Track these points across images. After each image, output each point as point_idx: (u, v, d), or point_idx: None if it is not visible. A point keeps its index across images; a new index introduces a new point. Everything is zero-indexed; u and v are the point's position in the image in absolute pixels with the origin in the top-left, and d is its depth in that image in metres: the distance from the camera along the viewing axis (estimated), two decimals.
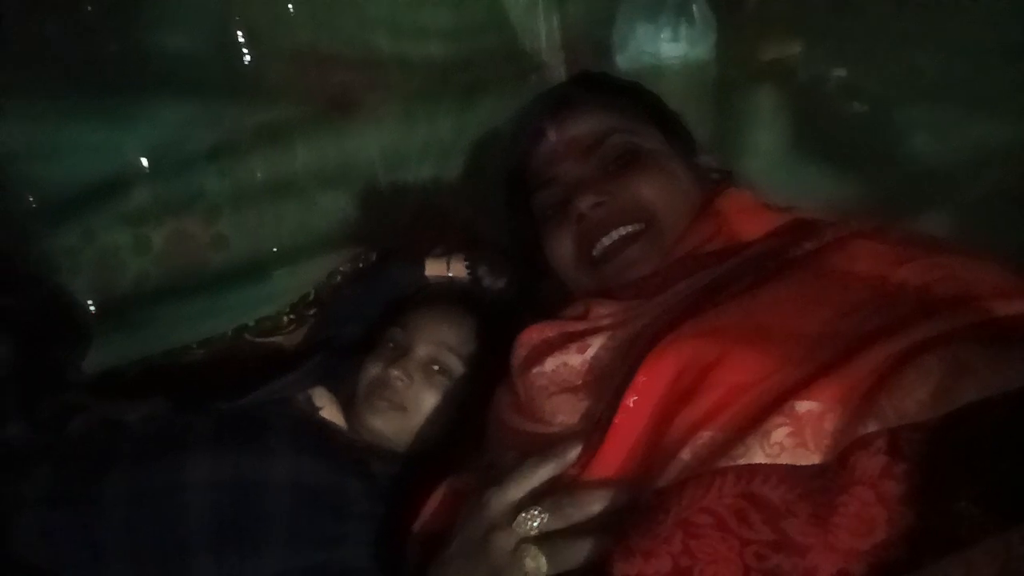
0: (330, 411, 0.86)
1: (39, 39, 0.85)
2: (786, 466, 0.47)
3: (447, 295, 0.90)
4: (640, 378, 0.56)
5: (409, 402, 0.81)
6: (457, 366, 0.83)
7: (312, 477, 0.77)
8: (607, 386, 0.60)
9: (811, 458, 0.47)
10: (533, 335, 0.67)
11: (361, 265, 0.99)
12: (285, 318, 0.98)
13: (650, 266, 0.69)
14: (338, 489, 0.78)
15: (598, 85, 0.83)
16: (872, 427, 0.45)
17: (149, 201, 0.91)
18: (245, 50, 0.91)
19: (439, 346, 0.82)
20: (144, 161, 0.91)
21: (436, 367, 0.82)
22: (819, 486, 0.45)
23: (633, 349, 0.60)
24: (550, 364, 0.64)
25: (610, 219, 0.71)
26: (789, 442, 0.47)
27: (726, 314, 0.58)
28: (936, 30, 0.79)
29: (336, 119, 0.97)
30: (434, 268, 0.95)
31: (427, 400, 0.82)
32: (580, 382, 0.63)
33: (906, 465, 0.44)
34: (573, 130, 0.75)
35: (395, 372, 0.81)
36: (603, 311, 0.67)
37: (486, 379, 0.73)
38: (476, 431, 0.71)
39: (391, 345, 0.84)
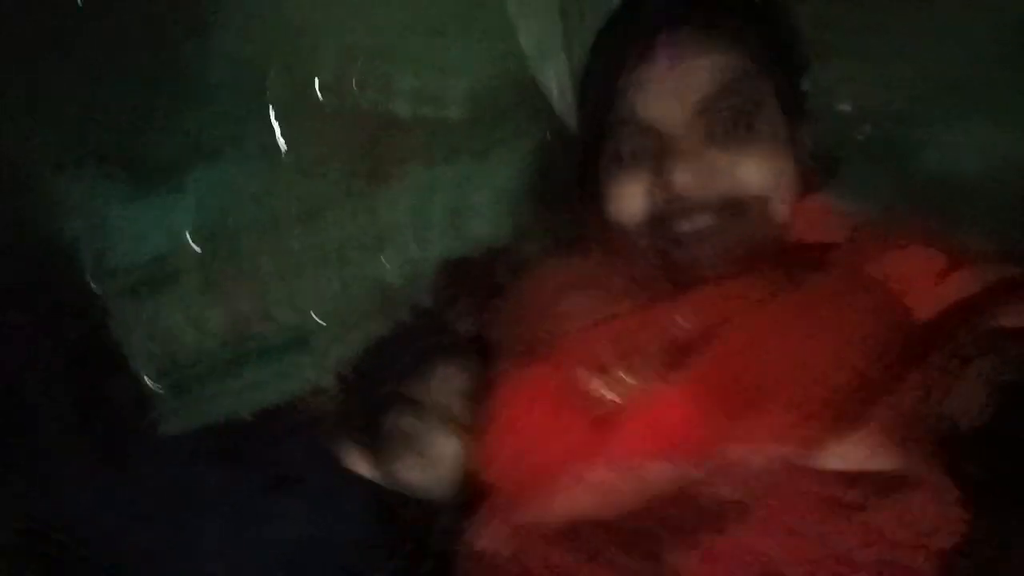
0: (363, 468, 0.89)
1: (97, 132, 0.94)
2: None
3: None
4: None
5: (433, 452, 0.83)
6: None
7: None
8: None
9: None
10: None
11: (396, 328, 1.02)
12: (329, 383, 1.02)
13: (727, 263, 0.62)
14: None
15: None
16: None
17: (200, 278, 0.98)
18: (279, 125, 0.98)
19: (456, 395, 0.84)
20: (194, 241, 0.98)
21: (454, 417, 0.84)
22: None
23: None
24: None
25: (702, 200, 0.61)
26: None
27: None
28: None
29: (368, 190, 1.02)
30: None
31: (449, 448, 0.83)
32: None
33: None
34: (691, 74, 0.61)
35: (411, 421, 0.83)
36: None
37: None
38: None
39: (413, 399, 0.86)
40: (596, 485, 0.57)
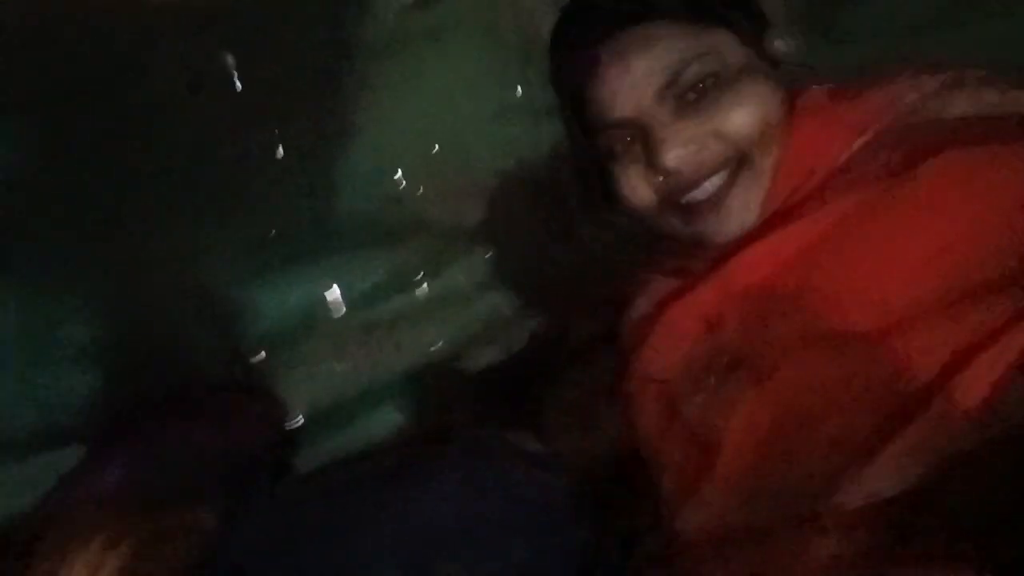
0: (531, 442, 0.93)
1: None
2: None
3: None
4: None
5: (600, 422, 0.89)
6: None
7: None
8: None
9: None
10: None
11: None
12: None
13: (751, 216, 0.63)
14: None
15: None
16: None
17: (343, 320, 1.10)
18: (404, 196, 1.15)
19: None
20: (337, 291, 1.12)
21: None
22: None
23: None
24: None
25: (701, 168, 0.63)
26: None
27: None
28: None
29: (477, 239, 1.17)
30: None
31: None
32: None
33: None
34: (643, 62, 0.63)
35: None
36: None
37: None
38: None
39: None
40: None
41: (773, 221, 0.63)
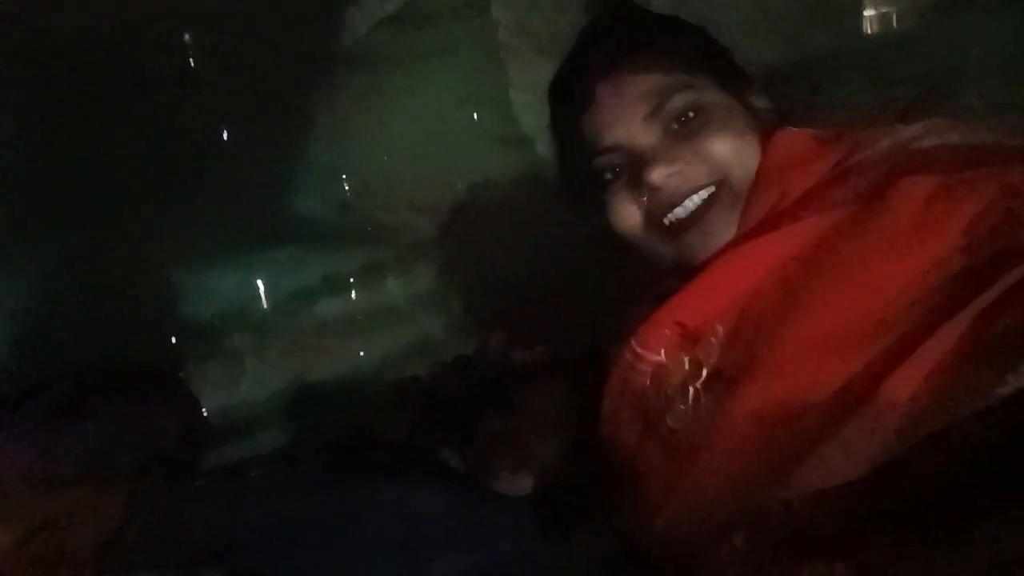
0: (457, 462, 0.94)
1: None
2: None
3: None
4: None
5: (521, 451, 0.91)
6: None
7: None
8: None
9: None
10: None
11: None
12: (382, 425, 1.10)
13: (729, 232, 0.68)
14: None
15: (642, 29, 0.77)
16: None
17: (268, 317, 1.09)
18: (354, 203, 1.16)
19: (543, 399, 0.94)
20: (266, 287, 1.11)
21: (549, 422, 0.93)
22: None
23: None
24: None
25: (683, 187, 0.68)
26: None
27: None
28: None
29: (424, 253, 1.18)
30: None
31: (539, 447, 0.91)
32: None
33: None
34: (632, 92, 0.71)
35: (514, 421, 0.91)
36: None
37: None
38: None
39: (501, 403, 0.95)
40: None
41: (748, 235, 0.67)
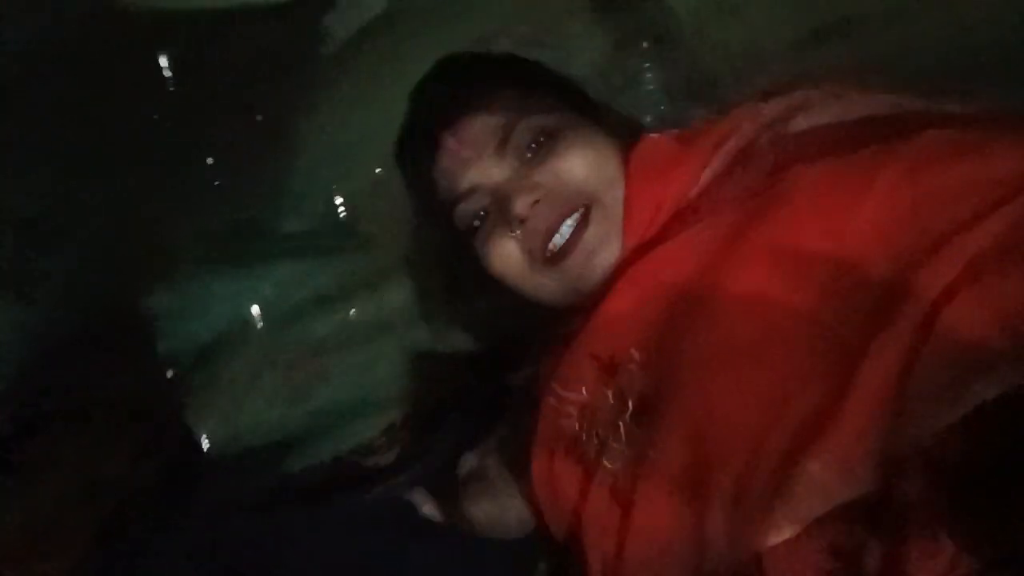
0: (428, 509, 0.90)
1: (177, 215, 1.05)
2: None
3: None
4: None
5: (502, 489, 0.85)
6: None
7: None
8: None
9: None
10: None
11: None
12: (379, 441, 1.05)
13: (612, 251, 0.65)
14: None
15: (476, 71, 0.76)
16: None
17: (264, 340, 1.05)
18: (343, 217, 1.10)
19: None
20: (260, 307, 1.06)
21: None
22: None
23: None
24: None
25: (553, 213, 0.66)
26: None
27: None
28: None
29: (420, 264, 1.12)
30: None
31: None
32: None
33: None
34: (475, 131, 0.69)
35: (489, 462, 0.86)
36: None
37: None
38: None
39: (485, 440, 0.90)
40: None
41: (640, 251, 0.64)
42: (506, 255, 0.68)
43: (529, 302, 0.71)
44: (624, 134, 0.71)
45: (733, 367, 0.53)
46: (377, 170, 1.08)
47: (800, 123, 0.61)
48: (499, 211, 0.67)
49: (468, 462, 0.88)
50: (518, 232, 0.66)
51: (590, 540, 0.59)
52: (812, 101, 0.62)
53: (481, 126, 0.68)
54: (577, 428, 0.62)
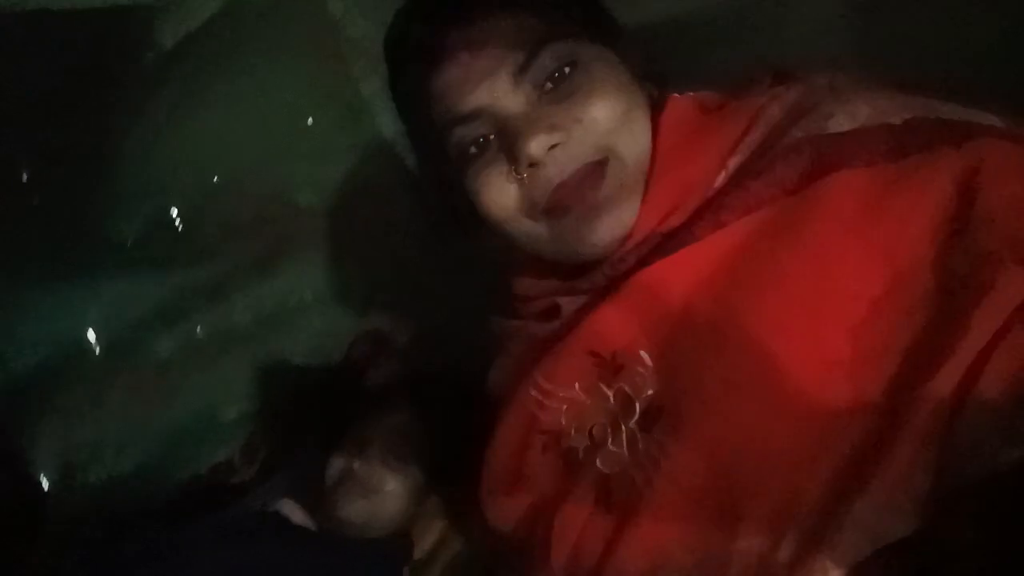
0: (299, 517, 0.89)
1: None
2: None
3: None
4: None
5: (373, 487, 0.87)
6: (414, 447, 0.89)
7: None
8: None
9: None
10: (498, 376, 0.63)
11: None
12: (236, 459, 1.03)
13: (622, 217, 0.56)
14: None
15: None
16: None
17: (103, 361, 0.98)
18: (179, 223, 1.05)
19: (391, 431, 0.90)
20: (96, 326, 0.99)
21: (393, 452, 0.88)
22: None
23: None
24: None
25: (571, 163, 0.55)
26: None
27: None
28: None
29: (269, 271, 1.10)
30: None
31: (391, 482, 0.87)
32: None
33: None
34: (492, 45, 0.57)
35: (356, 463, 0.87)
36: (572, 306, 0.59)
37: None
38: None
39: (349, 441, 0.90)
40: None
41: (663, 245, 0.57)
42: (502, 198, 0.57)
43: (506, 251, 0.61)
44: (649, 79, 0.61)
45: (772, 393, 0.49)
46: (215, 179, 1.05)
47: (841, 123, 0.55)
48: (504, 145, 0.56)
49: (336, 464, 0.88)
50: (524, 175, 0.56)
51: (557, 537, 0.55)
52: (846, 95, 0.56)
53: (500, 40, 0.56)
54: (564, 424, 0.58)
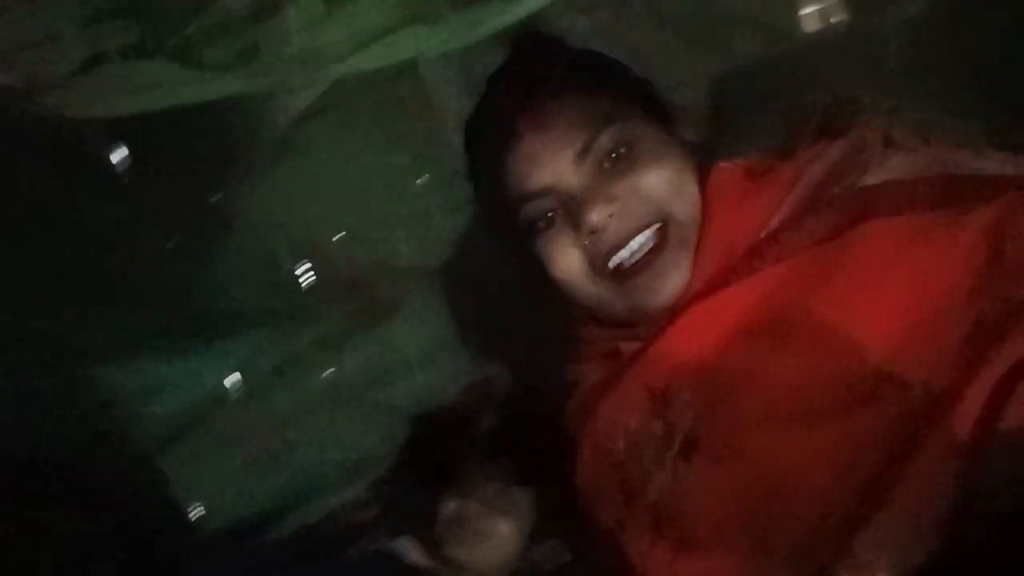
0: (414, 556, 0.93)
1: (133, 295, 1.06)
2: None
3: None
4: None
5: (485, 531, 0.89)
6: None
7: None
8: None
9: None
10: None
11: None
12: (351, 505, 1.08)
13: (682, 275, 0.63)
14: None
15: (561, 63, 0.71)
16: None
17: (230, 418, 1.07)
18: (293, 288, 1.14)
19: (500, 476, 0.93)
20: (222, 385, 1.09)
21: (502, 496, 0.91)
22: None
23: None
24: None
25: (625, 228, 0.63)
26: None
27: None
28: None
29: (375, 329, 1.17)
30: None
31: (501, 525, 0.90)
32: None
33: None
34: (557, 130, 0.65)
35: (472, 504, 0.90)
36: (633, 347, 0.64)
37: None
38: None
39: (460, 485, 0.94)
40: None
41: (705, 291, 0.62)
42: (570, 260, 0.65)
43: (579, 309, 0.69)
44: (696, 151, 0.69)
45: (801, 425, 0.52)
46: (326, 244, 1.14)
47: (876, 176, 0.60)
48: (569, 217, 0.64)
49: (449, 506, 0.92)
50: (587, 242, 0.63)
51: (630, 568, 0.60)
52: (880, 151, 0.61)
53: (564, 126, 0.64)
54: (623, 453, 0.63)
